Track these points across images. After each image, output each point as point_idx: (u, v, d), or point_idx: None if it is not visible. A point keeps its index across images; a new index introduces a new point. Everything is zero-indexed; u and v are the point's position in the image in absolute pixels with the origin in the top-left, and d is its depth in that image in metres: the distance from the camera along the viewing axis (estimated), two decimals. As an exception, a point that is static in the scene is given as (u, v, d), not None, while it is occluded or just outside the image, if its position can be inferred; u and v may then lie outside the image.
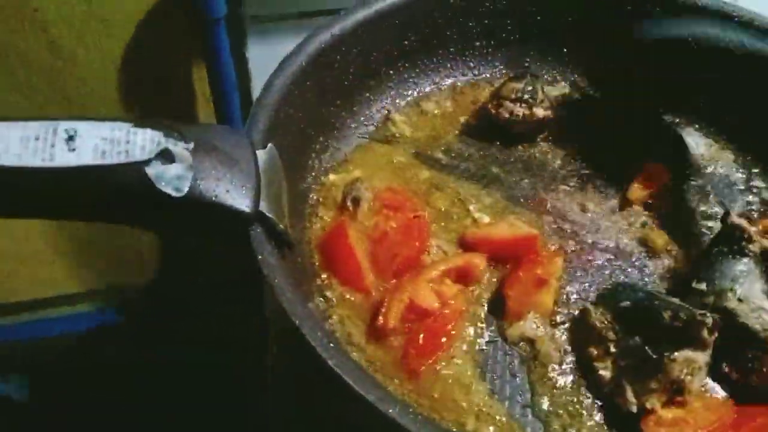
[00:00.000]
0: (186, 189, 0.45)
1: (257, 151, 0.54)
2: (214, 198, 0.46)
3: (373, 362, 0.55)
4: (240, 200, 0.48)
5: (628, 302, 0.56)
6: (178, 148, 0.46)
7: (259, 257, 0.47)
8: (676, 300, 0.56)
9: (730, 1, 0.75)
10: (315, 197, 0.68)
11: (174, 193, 0.44)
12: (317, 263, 0.62)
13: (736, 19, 0.72)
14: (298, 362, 0.52)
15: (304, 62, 0.65)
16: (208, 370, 1.19)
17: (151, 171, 0.45)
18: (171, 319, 1.29)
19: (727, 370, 0.55)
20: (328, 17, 0.70)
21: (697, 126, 0.77)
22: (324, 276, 0.61)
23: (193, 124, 0.50)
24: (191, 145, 0.47)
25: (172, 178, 0.45)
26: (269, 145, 0.56)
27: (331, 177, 0.71)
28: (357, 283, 0.59)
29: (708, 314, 0.52)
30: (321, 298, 0.59)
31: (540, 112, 0.73)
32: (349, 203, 0.65)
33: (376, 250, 0.61)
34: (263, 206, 0.50)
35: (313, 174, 0.69)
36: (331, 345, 0.43)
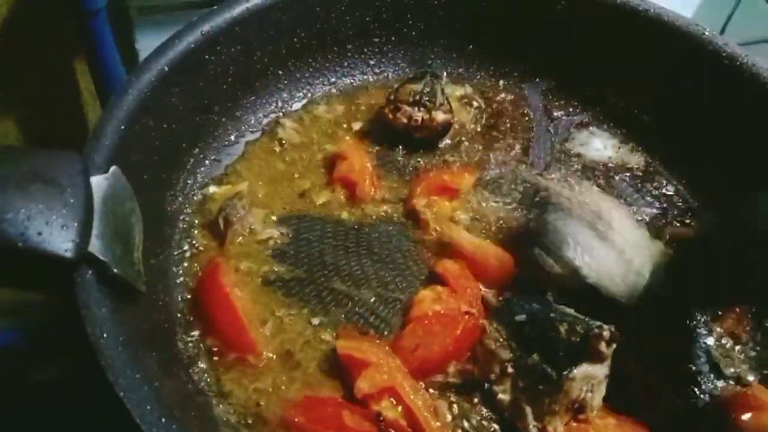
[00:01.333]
0: (-21, 235, 0.37)
1: (96, 177, 0.46)
2: (20, 244, 0.38)
3: (244, 414, 0.49)
4: (58, 243, 0.40)
5: (524, 315, 0.53)
6: (-27, 183, 0.38)
7: (82, 311, 0.39)
8: (571, 310, 0.53)
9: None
10: (188, 219, 0.60)
11: (-39, 242, 0.36)
12: (186, 300, 0.55)
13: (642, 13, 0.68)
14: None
15: (167, 66, 0.57)
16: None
17: (-67, 214, 0.36)
18: (71, 337, 1.19)
19: None
20: (206, 10, 0.62)
21: (605, 126, 0.73)
22: (191, 317, 0.53)
23: (9, 149, 0.42)
24: (-6, 179, 0.39)
25: (-39, 223, 0.37)
26: (113, 168, 0.48)
27: (212, 189, 0.63)
28: (239, 342, 0.52)
29: (604, 326, 0.49)
30: (188, 339, 0.52)
31: (440, 116, 0.67)
32: (221, 223, 0.58)
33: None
34: (95, 246, 0.42)
35: (186, 192, 0.61)
36: (162, 420, 0.36)
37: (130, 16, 0.92)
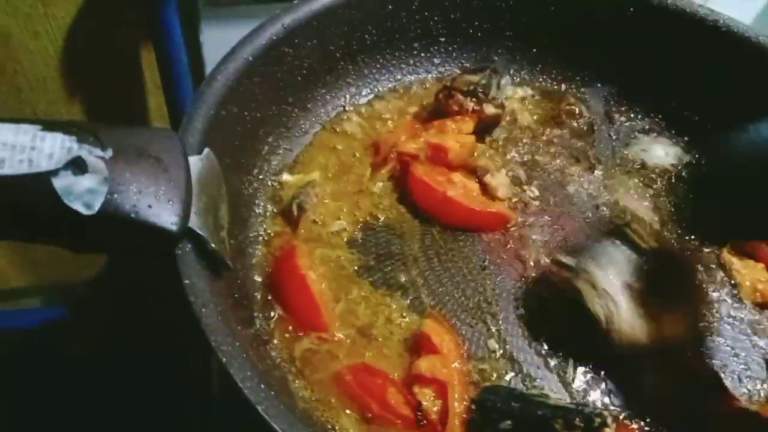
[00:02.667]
0: (98, 205, 0.39)
1: (192, 157, 0.48)
2: (133, 215, 0.41)
3: (314, 390, 0.51)
4: (165, 216, 0.42)
5: (509, 422, 0.48)
6: (93, 156, 0.40)
7: (185, 282, 0.42)
8: (553, 399, 0.51)
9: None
10: (263, 204, 0.63)
11: (84, 210, 0.39)
12: (261, 280, 0.57)
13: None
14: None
15: (252, 56, 0.59)
16: (155, 369, 1.14)
17: (58, 183, 0.39)
18: (118, 316, 1.22)
19: None
20: (285, 4, 0.65)
21: (668, 133, 0.74)
22: (269, 296, 0.56)
23: (117, 126, 0.44)
24: (109, 152, 0.42)
25: (83, 192, 0.39)
26: (206, 149, 0.50)
27: (285, 177, 0.65)
28: (313, 321, 0.54)
29: (604, 412, 0.47)
30: (264, 317, 0.54)
31: (490, 109, 0.68)
32: (294, 209, 0.60)
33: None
34: (194, 221, 0.44)
35: (261, 178, 0.63)
36: (261, 386, 0.38)
37: (197, 9, 0.95)
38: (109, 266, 1.26)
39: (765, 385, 0.56)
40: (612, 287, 0.54)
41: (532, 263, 0.62)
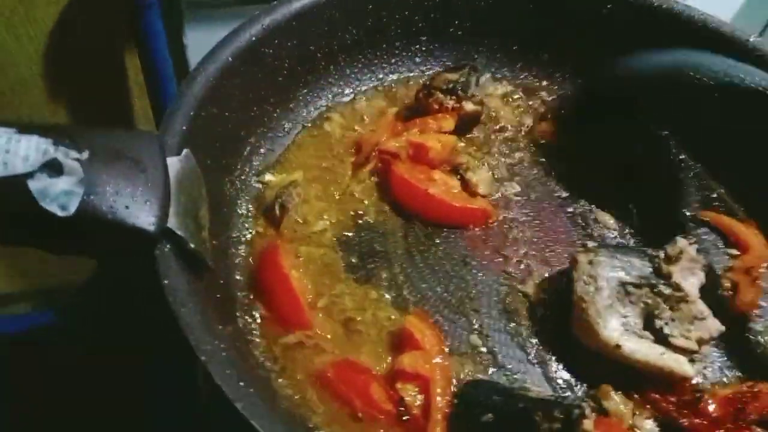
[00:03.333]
0: (74, 206, 0.39)
1: (171, 158, 0.48)
2: (110, 216, 0.41)
3: (297, 388, 0.51)
4: (143, 217, 0.42)
5: (490, 414, 0.49)
6: (69, 158, 0.41)
7: (164, 282, 0.42)
8: (534, 392, 0.51)
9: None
10: (245, 204, 0.63)
11: (60, 212, 0.39)
12: (243, 280, 0.57)
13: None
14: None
15: (232, 57, 0.59)
16: (144, 373, 1.14)
17: (34, 186, 0.39)
18: (107, 321, 1.22)
19: None
20: (265, 5, 0.65)
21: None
22: (251, 296, 0.56)
23: (94, 128, 0.44)
24: (85, 154, 0.42)
25: (59, 194, 0.39)
26: (185, 150, 0.50)
27: (267, 177, 0.66)
28: (296, 319, 0.54)
29: (582, 404, 0.48)
30: (247, 317, 0.55)
31: (469, 106, 0.69)
32: (277, 209, 0.60)
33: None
34: (173, 222, 0.45)
35: (243, 178, 0.64)
36: (240, 384, 0.38)
37: (180, 11, 0.95)
38: (98, 271, 1.25)
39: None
40: (605, 275, 0.55)
41: (514, 259, 0.63)
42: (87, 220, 0.40)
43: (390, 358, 0.54)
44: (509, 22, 0.76)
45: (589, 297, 0.54)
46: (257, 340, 0.53)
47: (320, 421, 0.49)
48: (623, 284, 0.55)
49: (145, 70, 0.97)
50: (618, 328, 0.53)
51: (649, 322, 0.54)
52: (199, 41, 0.98)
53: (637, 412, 0.53)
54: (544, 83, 0.78)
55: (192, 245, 0.45)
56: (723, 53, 0.68)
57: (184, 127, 0.52)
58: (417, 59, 0.78)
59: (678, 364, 0.53)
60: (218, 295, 0.52)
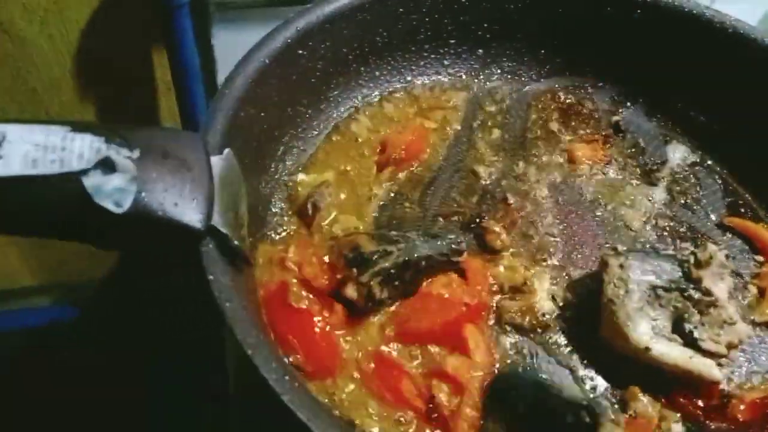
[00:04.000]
0: (128, 203, 0.41)
1: (213, 157, 0.49)
2: (160, 213, 0.42)
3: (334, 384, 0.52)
4: (190, 214, 0.43)
5: (523, 406, 0.51)
6: (121, 156, 0.42)
7: (210, 277, 0.43)
8: (565, 392, 0.53)
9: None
10: (279, 203, 0.64)
11: (114, 208, 0.40)
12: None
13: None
14: (255, 385, 0.48)
15: (267, 59, 0.61)
16: (166, 369, 1.15)
17: (88, 183, 0.40)
18: (127, 317, 1.24)
19: None
20: (297, 7, 0.66)
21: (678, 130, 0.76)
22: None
23: (141, 127, 0.46)
24: (136, 153, 0.43)
25: (113, 191, 0.41)
26: (227, 150, 0.51)
27: (300, 177, 0.67)
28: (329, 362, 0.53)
29: (606, 405, 0.50)
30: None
31: None
32: (309, 208, 0.61)
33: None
34: (216, 219, 0.46)
35: (276, 177, 0.65)
36: (286, 378, 0.39)
37: (209, 12, 0.97)
38: (119, 266, 1.27)
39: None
40: (635, 279, 0.55)
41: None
42: (139, 216, 0.41)
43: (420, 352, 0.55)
44: (538, 25, 0.77)
45: (619, 300, 0.55)
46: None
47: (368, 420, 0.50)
48: (653, 288, 0.56)
49: (173, 70, 0.98)
50: (648, 331, 0.54)
51: (678, 325, 0.55)
52: (227, 42, 0.99)
53: (667, 416, 0.54)
54: (570, 87, 0.79)
55: (235, 242, 0.46)
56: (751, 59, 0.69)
57: (225, 127, 0.53)
58: (446, 62, 0.78)
59: (707, 367, 0.54)
60: (255, 293, 0.53)
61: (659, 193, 0.71)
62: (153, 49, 1.02)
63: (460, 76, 0.78)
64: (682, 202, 0.70)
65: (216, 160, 0.49)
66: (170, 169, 0.45)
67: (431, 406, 0.52)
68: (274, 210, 0.63)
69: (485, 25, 0.77)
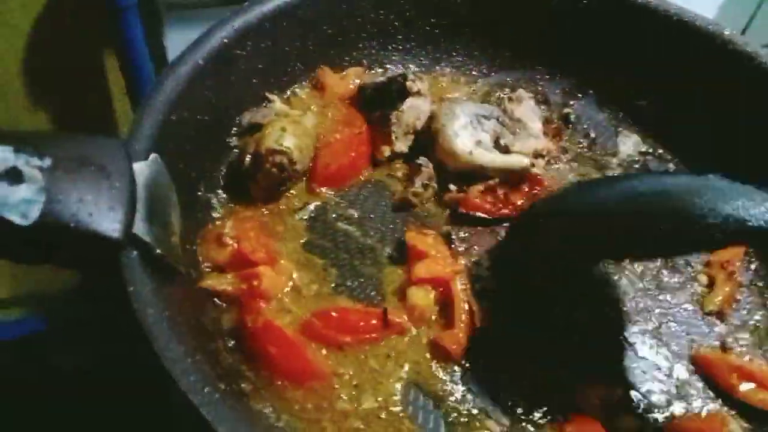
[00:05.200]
0: (35, 214, 0.39)
1: (138, 164, 0.48)
2: (72, 224, 0.41)
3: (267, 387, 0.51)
4: (106, 224, 0.42)
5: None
6: (30, 166, 0.40)
7: (129, 289, 0.42)
8: None
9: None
10: (219, 207, 0.62)
11: (19, 220, 0.39)
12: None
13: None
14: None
15: (202, 59, 0.59)
16: (131, 377, 1.13)
17: (-7, 194, 0.39)
18: (94, 326, 1.22)
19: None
20: (236, 8, 0.65)
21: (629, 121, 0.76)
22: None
23: (58, 134, 0.45)
24: (47, 162, 0.41)
25: (19, 203, 0.39)
26: (153, 155, 0.50)
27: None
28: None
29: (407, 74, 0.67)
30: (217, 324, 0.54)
31: None
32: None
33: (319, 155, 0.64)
34: (140, 228, 0.44)
35: (216, 182, 0.63)
36: (206, 390, 0.38)
37: (159, 13, 0.95)
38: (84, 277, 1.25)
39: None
40: (461, 108, 0.66)
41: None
42: (48, 228, 0.40)
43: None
44: (485, 19, 0.76)
45: (447, 120, 0.65)
46: (231, 343, 0.53)
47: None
48: (476, 115, 0.66)
49: (125, 73, 0.96)
50: (470, 143, 0.65)
51: (497, 143, 0.66)
52: (181, 42, 0.97)
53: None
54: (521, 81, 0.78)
55: (159, 251, 0.45)
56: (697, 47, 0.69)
57: (154, 132, 0.52)
58: (394, 57, 0.77)
59: (518, 159, 0.66)
60: (189, 302, 0.51)
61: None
62: (105, 54, 1.00)
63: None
64: (634, 192, 0.70)
65: (141, 167, 0.48)
66: (86, 177, 0.43)
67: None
68: (214, 215, 0.61)
69: (432, 20, 0.76)
